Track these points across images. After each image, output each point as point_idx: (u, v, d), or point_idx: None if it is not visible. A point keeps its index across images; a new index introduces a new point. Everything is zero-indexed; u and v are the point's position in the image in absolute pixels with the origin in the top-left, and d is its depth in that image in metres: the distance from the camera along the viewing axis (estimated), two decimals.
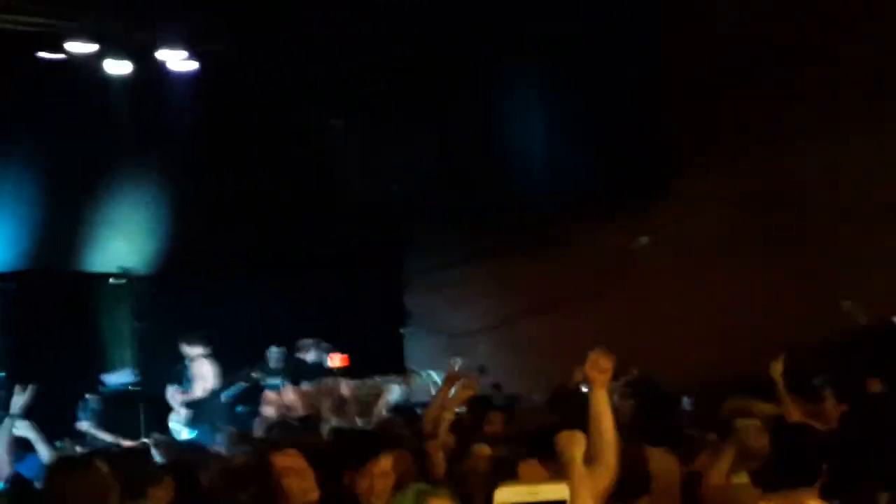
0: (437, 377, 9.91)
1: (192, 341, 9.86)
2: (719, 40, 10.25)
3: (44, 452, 7.08)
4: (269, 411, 9.30)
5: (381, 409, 9.15)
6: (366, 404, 9.39)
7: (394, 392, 9.44)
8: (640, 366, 8.92)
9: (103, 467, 3.93)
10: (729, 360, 8.91)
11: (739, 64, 10.12)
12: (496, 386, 9.49)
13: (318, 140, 11.29)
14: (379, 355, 10.22)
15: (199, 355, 9.84)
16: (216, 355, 10.04)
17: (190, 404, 9.78)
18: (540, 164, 11.14)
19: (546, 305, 11.30)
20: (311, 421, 8.55)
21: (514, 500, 0.96)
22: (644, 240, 10.59)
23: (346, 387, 9.51)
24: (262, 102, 11.08)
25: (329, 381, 9.91)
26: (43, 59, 10.51)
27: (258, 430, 9.09)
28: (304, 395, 9.55)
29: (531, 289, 11.60)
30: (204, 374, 9.80)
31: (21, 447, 7.12)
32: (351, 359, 10.46)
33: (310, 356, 10.55)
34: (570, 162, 10.91)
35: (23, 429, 7.33)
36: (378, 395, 9.48)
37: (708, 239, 10.35)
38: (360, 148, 11.28)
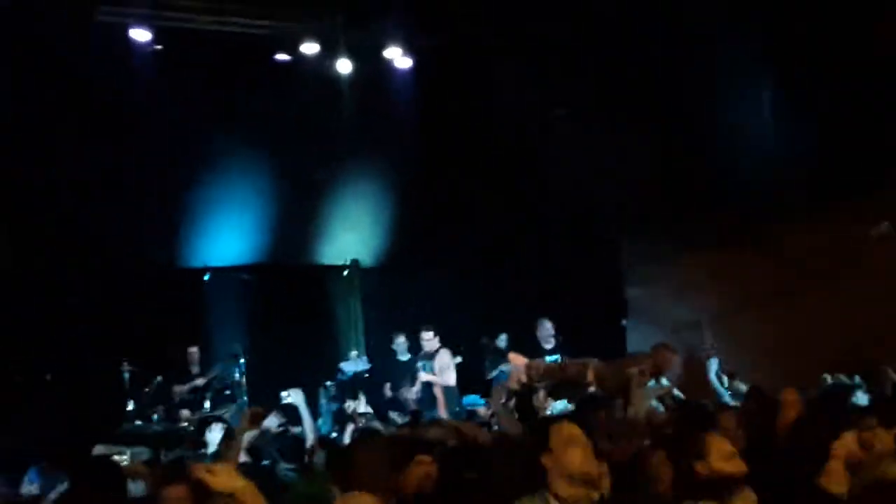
0: None
1: (430, 331, 10.30)
2: None
3: (307, 421, 7.47)
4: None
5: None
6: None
7: None
8: (853, 363, 8.81)
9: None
10: None
11: None
12: (731, 375, 9.44)
13: (536, 134, 11.43)
14: (601, 347, 10.30)
15: (440, 347, 10.30)
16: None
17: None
18: (757, 158, 10.99)
19: (764, 299, 11.16)
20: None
21: None
22: (886, 226, 10.29)
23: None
24: (479, 97, 11.26)
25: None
26: (274, 61, 11.03)
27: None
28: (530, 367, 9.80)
29: (749, 282, 11.42)
30: (448, 364, 10.24)
31: None
32: (573, 350, 10.58)
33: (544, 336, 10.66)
34: (787, 156, 10.75)
35: (294, 396, 7.74)
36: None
37: None
38: (578, 142, 11.36)
